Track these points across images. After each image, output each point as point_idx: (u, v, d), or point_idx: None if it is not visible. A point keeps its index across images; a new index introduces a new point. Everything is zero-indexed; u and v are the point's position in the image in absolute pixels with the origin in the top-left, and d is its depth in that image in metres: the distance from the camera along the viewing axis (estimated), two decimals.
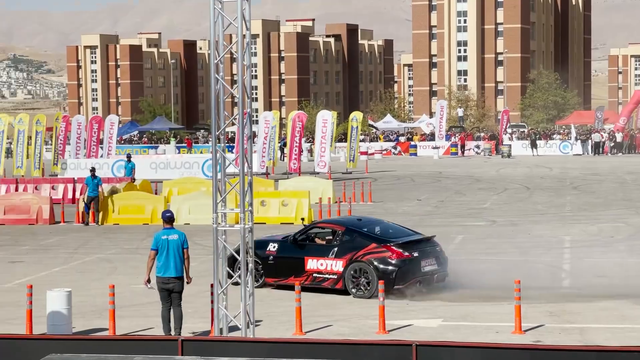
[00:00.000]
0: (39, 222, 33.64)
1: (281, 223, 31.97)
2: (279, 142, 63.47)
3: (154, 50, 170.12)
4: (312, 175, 46.12)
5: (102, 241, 29.39)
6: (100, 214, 33.54)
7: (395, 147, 78.74)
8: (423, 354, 10.28)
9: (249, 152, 14.28)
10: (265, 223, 30.64)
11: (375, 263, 19.59)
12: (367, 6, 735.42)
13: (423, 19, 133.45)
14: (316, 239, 20.85)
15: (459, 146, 75.00)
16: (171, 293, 16.03)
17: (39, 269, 24.25)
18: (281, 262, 20.65)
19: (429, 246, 20.41)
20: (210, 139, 54.68)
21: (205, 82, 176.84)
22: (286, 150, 56.89)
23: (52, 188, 40.60)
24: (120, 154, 57.78)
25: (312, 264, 20.23)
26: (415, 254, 19.85)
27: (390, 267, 19.53)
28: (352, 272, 19.77)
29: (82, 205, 33.88)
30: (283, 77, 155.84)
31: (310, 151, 66.58)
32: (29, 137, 54.78)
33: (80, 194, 36.85)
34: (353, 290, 19.76)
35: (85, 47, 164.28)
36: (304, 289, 18.44)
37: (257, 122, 69.83)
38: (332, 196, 37.32)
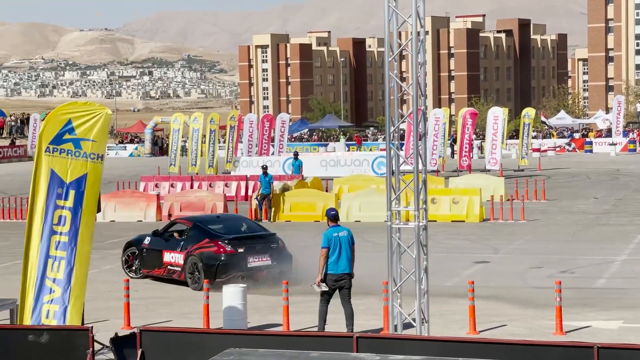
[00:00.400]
0: None
1: (452, 221, 31.70)
2: (449, 139, 63.01)
3: (324, 48, 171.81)
4: (483, 173, 45.51)
5: None
6: (272, 211, 34.04)
7: (569, 144, 76.90)
8: (604, 356, 9.93)
9: (423, 150, 14.17)
10: (435, 221, 30.43)
11: (203, 257, 20.80)
12: (540, 0, 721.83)
13: (599, 12, 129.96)
14: (174, 234, 22.10)
15: (637, 142, 72.61)
16: (341, 290, 16.05)
17: None
18: (149, 254, 22.11)
19: (263, 243, 21.23)
20: (380, 137, 54.54)
21: (374, 79, 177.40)
22: (456, 147, 56.37)
23: (226, 185, 41.45)
24: (291, 152, 58.52)
25: (167, 256, 21.66)
26: (241, 250, 20.81)
27: (212, 261, 20.67)
28: (189, 265, 21.06)
29: (255, 202, 34.49)
30: (452, 73, 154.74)
31: (481, 148, 65.80)
32: (203, 136, 56.13)
33: (253, 191, 37.51)
34: (189, 281, 21.01)
35: (257, 46, 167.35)
36: None
37: (426, 119, 69.28)
38: (504, 194, 36.72)
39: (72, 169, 13.32)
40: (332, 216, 16.31)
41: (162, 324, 17.39)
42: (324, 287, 16.03)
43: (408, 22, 13.88)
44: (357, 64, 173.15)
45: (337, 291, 16.14)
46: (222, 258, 20.63)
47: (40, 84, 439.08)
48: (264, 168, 34.89)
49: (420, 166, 14.18)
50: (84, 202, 13.33)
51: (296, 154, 45.66)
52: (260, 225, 23.31)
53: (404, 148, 48.51)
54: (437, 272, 21.08)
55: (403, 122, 14.55)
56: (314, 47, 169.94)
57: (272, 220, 33.75)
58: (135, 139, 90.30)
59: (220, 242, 20.84)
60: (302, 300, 19.27)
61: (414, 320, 14.63)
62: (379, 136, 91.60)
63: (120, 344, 11.68)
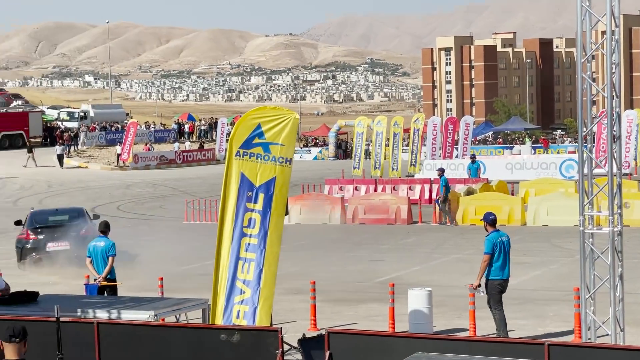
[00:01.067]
0: (397, 221, 34.39)
1: None
2: None
3: (509, 50, 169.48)
4: None
5: (459, 241, 29.52)
6: (458, 215, 33.74)
7: None
8: None
9: (617, 152, 13.72)
10: (628, 226, 29.46)
11: (17, 242, 26.06)
12: None
13: None
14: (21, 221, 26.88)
15: None
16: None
17: (399, 267, 24.74)
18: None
19: (63, 232, 25.45)
20: (567, 139, 53.32)
21: (561, 80, 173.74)
22: None
23: (410, 188, 41.38)
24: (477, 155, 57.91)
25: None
26: (41, 237, 25.49)
27: (20, 245, 25.72)
28: (15, 247, 26.13)
29: (439, 205, 34.29)
30: None
31: None
32: (387, 139, 56.27)
33: (437, 195, 37.35)
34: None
35: (440, 49, 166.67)
36: None
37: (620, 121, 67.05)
38: None
39: (261, 173, 13.54)
40: (492, 221, 16.14)
41: (348, 326, 17.48)
42: (482, 292, 15.88)
43: (602, 21, 13.46)
44: (544, 64, 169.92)
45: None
46: (25, 243, 25.67)
47: (227, 88, 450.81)
48: (441, 171, 34.65)
49: (615, 169, 13.74)
50: (272, 205, 13.53)
51: (473, 157, 45.18)
52: (87, 218, 26.77)
53: (594, 150, 47.25)
54: (631, 279, 20.37)
55: (595, 124, 14.13)
56: (499, 48, 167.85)
57: (453, 223, 33.34)
58: (320, 143, 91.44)
59: (28, 231, 25.80)
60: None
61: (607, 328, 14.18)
62: (565, 138, 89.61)
63: (308, 345, 11.79)
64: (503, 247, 15.85)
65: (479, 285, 15.93)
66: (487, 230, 16.15)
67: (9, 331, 8.01)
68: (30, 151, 66.77)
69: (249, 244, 13.44)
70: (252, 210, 13.48)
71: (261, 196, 13.50)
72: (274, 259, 13.53)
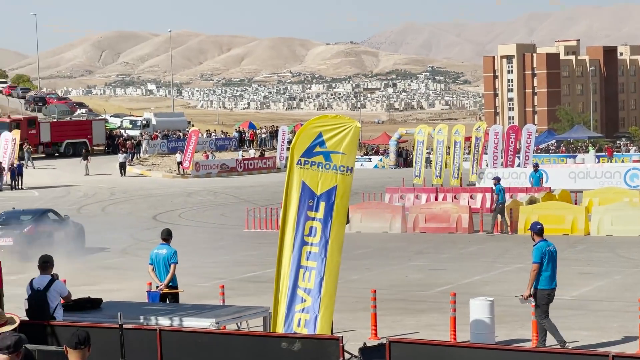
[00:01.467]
0: (458, 230, 34.20)
1: None
2: None
3: (572, 57, 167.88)
4: None
5: (521, 251, 29.24)
6: (520, 224, 33.44)
7: None
8: None
9: None
10: None
11: None
12: None
13: None
14: None
15: None
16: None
17: (460, 276, 24.61)
18: None
19: (7, 229, 28.82)
20: (631, 147, 52.76)
21: (626, 88, 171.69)
22: None
23: (471, 197, 41.16)
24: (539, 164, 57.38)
25: None
26: None
27: None
28: None
29: (496, 214, 34.06)
30: None
31: None
32: (448, 147, 56.03)
33: (490, 204, 37.14)
34: None
35: (502, 56, 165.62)
36: None
37: None
38: None
39: (322, 181, 13.55)
40: (539, 230, 16.13)
41: (409, 335, 17.42)
42: (532, 302, 15.82)
43: None
44: (608, 72, 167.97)
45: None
46: None
47: (288, 96, 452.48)
48: (496, 179, 34.52)
49: None
50: (333, 214, 13.53)
51: (536, 166, 44.85)
52: (38, 218, 29.81)
53: None
54: None
55: None
56: (562, 56, 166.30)
57: (508, 231, 33.18)
58: (380, 151, 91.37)
59: None
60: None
61: None
62: (630, 147, 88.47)
63: (369, 353, 11.78)
64: (552, 256, 15.81)
65: (530, 295, 15.86)
66: (534, 240, 16.14)
67: (74, 338, 8.11)
68: (85, 158, 67.67)
69: (310, 252, 13.46)
70: (313, 219, 13.50)
71: (322, 205, 13.51)
72: (335, 267, 13.53)
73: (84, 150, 71.70)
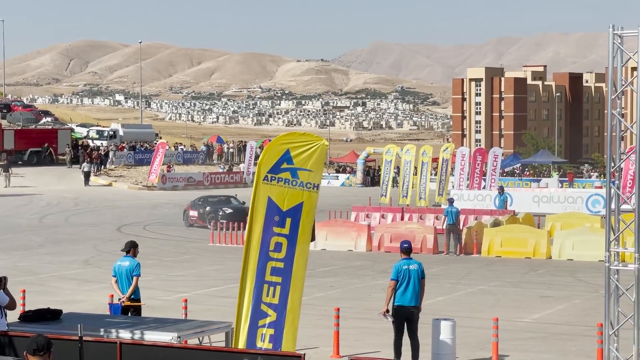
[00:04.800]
0: (423, 250, 34.29)
1: None
2: None
3: (539, 83, 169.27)
4: None
5: (485, 273, 29.45)
6: (483, 246, 33.66)
7: None
8: None
9: None
10: None
11: None
12: None
13: None
14: None
15: None
16: (408, 322, 16.31)
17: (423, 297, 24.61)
18: None
19: None
20: (593, 173, 53.29)
21: (590, 115, 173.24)
22: None
23: (436, 218, 41.33)
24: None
25: None
26: None
27: None
28: None
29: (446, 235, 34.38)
30: None
31: None
32: (415, 167, 56.25)
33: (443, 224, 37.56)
34: None
35: (471, 79, 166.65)
36: None
37: None
38: None
39: (288, 198, 13.62)
40: (405, 249, 16.65)
41: (372, 354, 17.46)
42: (390, 318, 16.29)
43: (633, 59, 13.50)
44: (573, 99, 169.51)
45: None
46: None
47: (257, 112, 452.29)
48: (450, 200, 35.50)
49: None
50: (299, 230, 13.61)
51: (501, 189, 45.20)
52: None
53: (621, 186, 47.04)
54: None
55: (623, 160, 14.14)
56: (529, 81, 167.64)
57: (457, 253, 33.50)
58: (348, 169, 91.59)
59: None
60: (513, 337, 18.96)
61: None
62: (592, 173, 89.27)
63: None
64: (409, 274, 16.28)
65: (387, 311, 16.31)
66: (401, 258, 16.53)
67: (33, 344, 8.07)
68: (6, 170, 65.61)
69: (274, 267, 13.51)
70: (279, 235, 13.57)
71: (288, 221, 13.58)
72: (300, 283, 13.61)
73: (5, 161, 67.83)
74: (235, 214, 41.28)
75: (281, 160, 13.64)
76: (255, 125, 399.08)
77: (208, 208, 43.54)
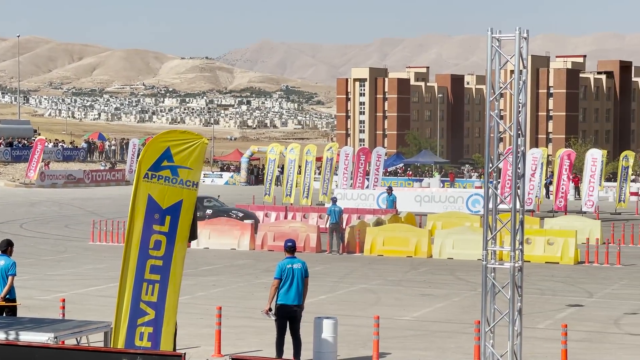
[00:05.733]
0: (306, 249, 34.41)
1: (546, 262, 31.24)
2: (545, 180, 62.27)
3: (422, 84, 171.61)
4: (579, 215, 44.81)
5: (367, 272, 29.71)
6: (366, 245, 33.95)
7: None
8: None
9: (521, 190, 14.02)
10: (529, 261, 30.01)
11: None
12: None
13: None
14: None
15: None
16: (290, 321, 16.36)
17: None
18: None
19: None
20: (474, 174, 54.29)
21: (471, 116, 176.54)
22: (552, 188, 55.62)
23: (320, 217, 41.53)
24: (386, 186, 58.41)
25: None
26: None
27: None
28: None
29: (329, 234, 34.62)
30: (551, 113, 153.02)
31: (577, 190, 64.82)
32: (299, 166, 56.43)
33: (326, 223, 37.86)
34: None
35: (355, 79, 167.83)
36: None
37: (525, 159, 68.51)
38: (600, 237, 36.10)
39: (168, 195, 13.52)
40: (289, 248, 16.70)
41: (253, 353, 17.43)
42: (272, 316, 16.34)
43: (510, 62, 13.78)
44: (455, 100, 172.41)
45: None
46: None
47: (140, 109, 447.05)
48: (334, 200, 36.07)
49: (518, 206, 14.02)
50: (178, 228, 13.54)
51: (390, 189, 45.62)
52: None
53: (499, 187, 48.07)
54: (530, 314, 20.78)
55: (501, 161, 14.42)
56: (412, 82, 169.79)
57: (340, 252, 33.77)
58: (232, 167, 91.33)
59: None
60: (394, 335, 19.16)
61: None
62: (473, 173, 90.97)
63: None
64: (292, 273, 16.33)
65: (270, 310, 16.36)
66: (285, 256, 16.60)
67: None
68: None
69: (154, 265, 13.39)
70: (159, 232, 13.45)
71: (168, 219, 13.48)
72: (178, 281, 13.55)
73: None
74: (216, 215, 40.21)
75: (162, 158, 13.53)
76: (138, 122, 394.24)
77: None
